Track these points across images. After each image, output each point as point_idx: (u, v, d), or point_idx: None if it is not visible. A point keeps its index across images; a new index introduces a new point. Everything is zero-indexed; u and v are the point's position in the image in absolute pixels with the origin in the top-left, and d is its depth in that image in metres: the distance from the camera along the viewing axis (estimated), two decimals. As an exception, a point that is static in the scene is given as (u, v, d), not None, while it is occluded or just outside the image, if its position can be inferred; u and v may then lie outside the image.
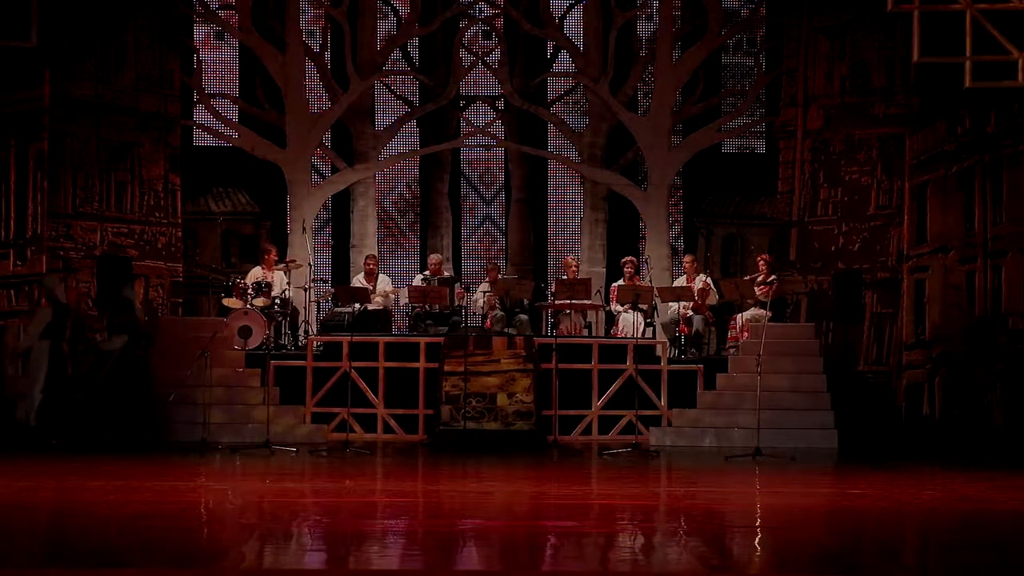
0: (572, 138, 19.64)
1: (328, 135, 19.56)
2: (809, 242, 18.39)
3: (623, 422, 15.92)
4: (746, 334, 16.28)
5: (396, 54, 19.74)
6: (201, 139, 19.70)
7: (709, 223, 19.61)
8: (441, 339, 15.93)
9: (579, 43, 19.49)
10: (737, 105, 19.45)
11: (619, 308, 17.01)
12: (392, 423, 16.07)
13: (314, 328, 17.11)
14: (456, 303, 17.06)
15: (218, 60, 19.99)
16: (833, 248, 18.20)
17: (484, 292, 17.42)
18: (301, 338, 16.94)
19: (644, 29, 19.89)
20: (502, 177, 20.50)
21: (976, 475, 13.03)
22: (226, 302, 16.60)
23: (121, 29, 17.61)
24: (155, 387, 15.74)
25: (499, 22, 19.78)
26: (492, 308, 17.02)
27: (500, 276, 17.71)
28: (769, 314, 15.47)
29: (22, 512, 9.86)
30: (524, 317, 16.90)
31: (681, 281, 17.46)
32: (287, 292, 16.88)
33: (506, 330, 16.49)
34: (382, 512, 10.28)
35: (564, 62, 19.89)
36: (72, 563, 7.66)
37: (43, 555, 8.16)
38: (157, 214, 17.91)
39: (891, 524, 9.67)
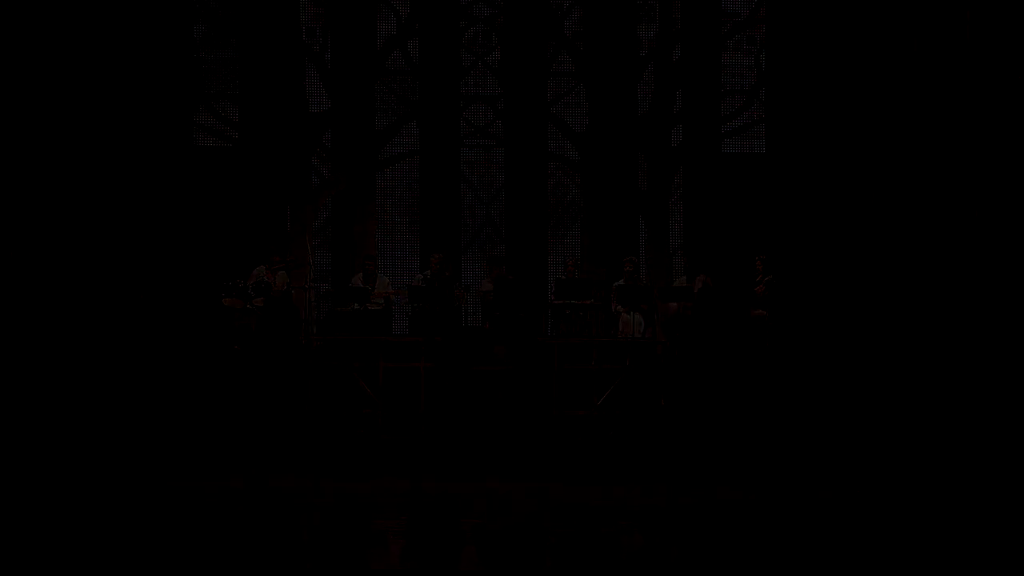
0: (572, 138, 19.62)
1: (328, 135, 19.55)
2: (809, 241, 18.37)
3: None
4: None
5: (396, 54, 19.74)
6: (201, 139, 19.68)
7: (708, 222, 19.58)
8: (441, 339, 15.93)
9: (579, 43, 19.48)
10: (737, 105, 19.44)
11: (619, 308, 17.01)
12: (392, 423, 16.06)
13: (314, 328, 17.10)
14: (456, 303, 17.04)
15: (218, 60, 19.97)
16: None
17: (485, 292, 17.41)
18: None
19: (645, 29, 19.88)
20: (502, 177, 20.48)
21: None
22: (226, 302, 16.58)
23: (122, 29, 17.59)
24: None
25: (499, 22, 19.79)
26: (491, 308, 17.01)
27: (502, 274, 17.62)
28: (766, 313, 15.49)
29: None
30: (522, 315, 16.88)
31: (681, 281, 17.46)
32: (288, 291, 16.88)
33: (503, 330, 16.48)
34: (382, 512, 10.29)
35: (564, 62, 19.88)
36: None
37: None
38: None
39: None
